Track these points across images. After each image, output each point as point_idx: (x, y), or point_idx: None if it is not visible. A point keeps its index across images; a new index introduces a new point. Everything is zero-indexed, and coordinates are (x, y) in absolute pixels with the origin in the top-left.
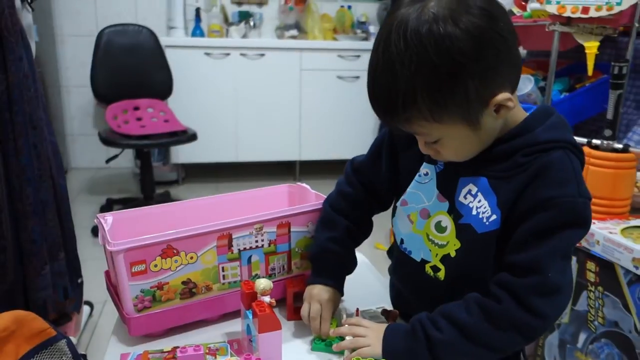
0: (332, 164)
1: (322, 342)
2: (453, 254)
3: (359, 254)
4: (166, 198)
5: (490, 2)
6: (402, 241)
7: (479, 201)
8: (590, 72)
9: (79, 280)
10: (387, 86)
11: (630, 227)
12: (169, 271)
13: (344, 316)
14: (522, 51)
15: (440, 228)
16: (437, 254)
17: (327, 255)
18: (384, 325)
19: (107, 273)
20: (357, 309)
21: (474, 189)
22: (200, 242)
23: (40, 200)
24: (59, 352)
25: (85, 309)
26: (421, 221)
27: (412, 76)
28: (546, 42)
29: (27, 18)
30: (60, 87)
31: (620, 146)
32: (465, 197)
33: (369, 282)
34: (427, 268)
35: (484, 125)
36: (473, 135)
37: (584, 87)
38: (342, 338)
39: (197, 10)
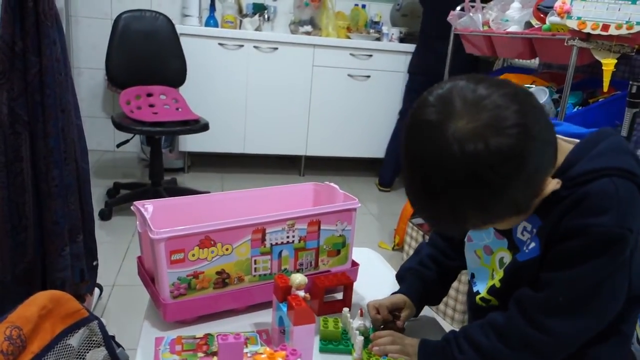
0: (337, 161)
1: (329, 343)
2: (498, 285)
3: (371, 251)
4: (173, 185)
5: (522, 113)
6: (472, 276)
7: (531, 235)
8: (605, 88)
9: (94, 263)
10: (435, 215)
11: None
12: (205, 261)
13: (349, 317)
14: (535, 62)
15: (502, 264)
16: (488, 287)
17: (404, 273)
18: (417, 340)
19: (139, 259)
20: (361, 309)
21: (529, 226)
22: (236, 235)
23: (64, 182)
24: (90, 332)
25: (95, 291)
26: (487, 257)
27: (458, 203)
28: (562, 55)
29: (59, 2)
30: (72, 69)
31: None
32: (522, 234)
33: (383, 279)
34: (477, 299)
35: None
36: (525, 215)
37: (598, 102)
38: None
39: None
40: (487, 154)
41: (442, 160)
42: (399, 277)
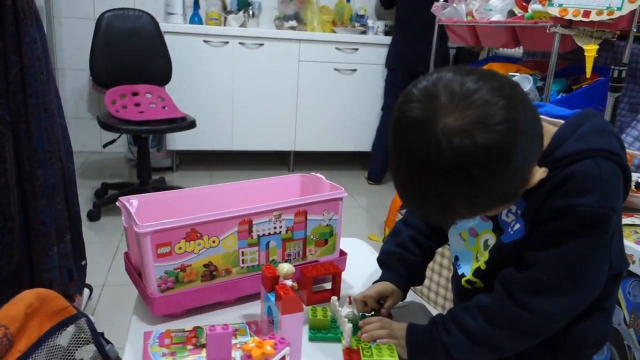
0: (326, 156)
1: (318, 331)
2: (483, 267)
3: (359, 241)
4: (161, 184)
5: (510, 108)
6: (456, 258)
7: (515, 216)
8: (588, 74)
9: (83, 263)
10: (424, 208)
11: (622, 225)
12: (192, 254)
13: (337, 306)
14: (520, 51)
15: (486, 246)
16: (473, 269)
17: (386, 257)
18: (405, 324)
19: (126, 254)
20: (349, 297)
21: (514, 208)
22: (222, 227)
23: (49, 182)
24: (79, 329)
25: (85, 291)
26: (471, 239)
27: (447, 198)
28: (545, 43)
29: (39, 0)
30: (55, 70)
31: None
32: (507, 216)
33: (372, 268)
34: (463, 282)
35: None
36: (513, 202)
37: (581, 88)
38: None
39: None
40: (476, 151)
41: (430, 157)
42: (381, 262)
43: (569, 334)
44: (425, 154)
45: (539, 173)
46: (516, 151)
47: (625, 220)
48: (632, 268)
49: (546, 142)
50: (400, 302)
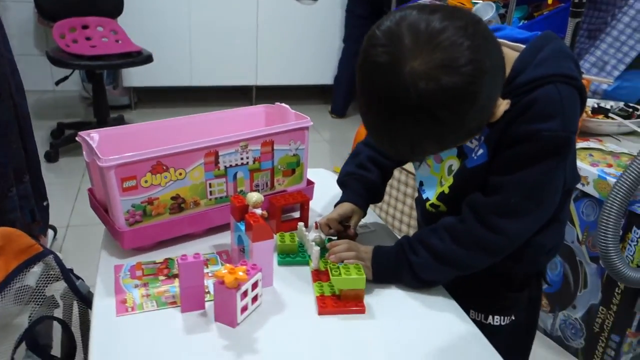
0: (289, 90)
1: (287, 256)
2: (447, 191)
3: (326, 171)
4: (120, 122)
5: (474, 49)
6: (421, 184)
7: (479, 142)
8: (550, 0)
9: (45, 203)
10: (394, 148)
11: (577, 149)
12: (158, 187)
13: (304, 231)
14: None
15: (450, 171)
16: (437, 193)
17: (345, 178)
18: (371, 247)
19: (90, 191)
20: (316, 222)
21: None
22: (188, 159)
23: (1, 120)
24: (47, 267)
25: (49, 232)
26: (436, 165)
27: (416, 139)
28: None
29: None
30: None
31: None
32: (471, 142)
33: (339, 196)
34: (427, 206)
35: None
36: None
37: (542, 15)
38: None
39: None
40: (442, 94)
41: (397, 101)
42: (341, 183)
43: (528, 244)
44: (393, 98)
45: (503, 105)
46: (481, 90)
47: (581, 144)
48: (586, 189)
49: (508, 68)
50: (366, 227)
